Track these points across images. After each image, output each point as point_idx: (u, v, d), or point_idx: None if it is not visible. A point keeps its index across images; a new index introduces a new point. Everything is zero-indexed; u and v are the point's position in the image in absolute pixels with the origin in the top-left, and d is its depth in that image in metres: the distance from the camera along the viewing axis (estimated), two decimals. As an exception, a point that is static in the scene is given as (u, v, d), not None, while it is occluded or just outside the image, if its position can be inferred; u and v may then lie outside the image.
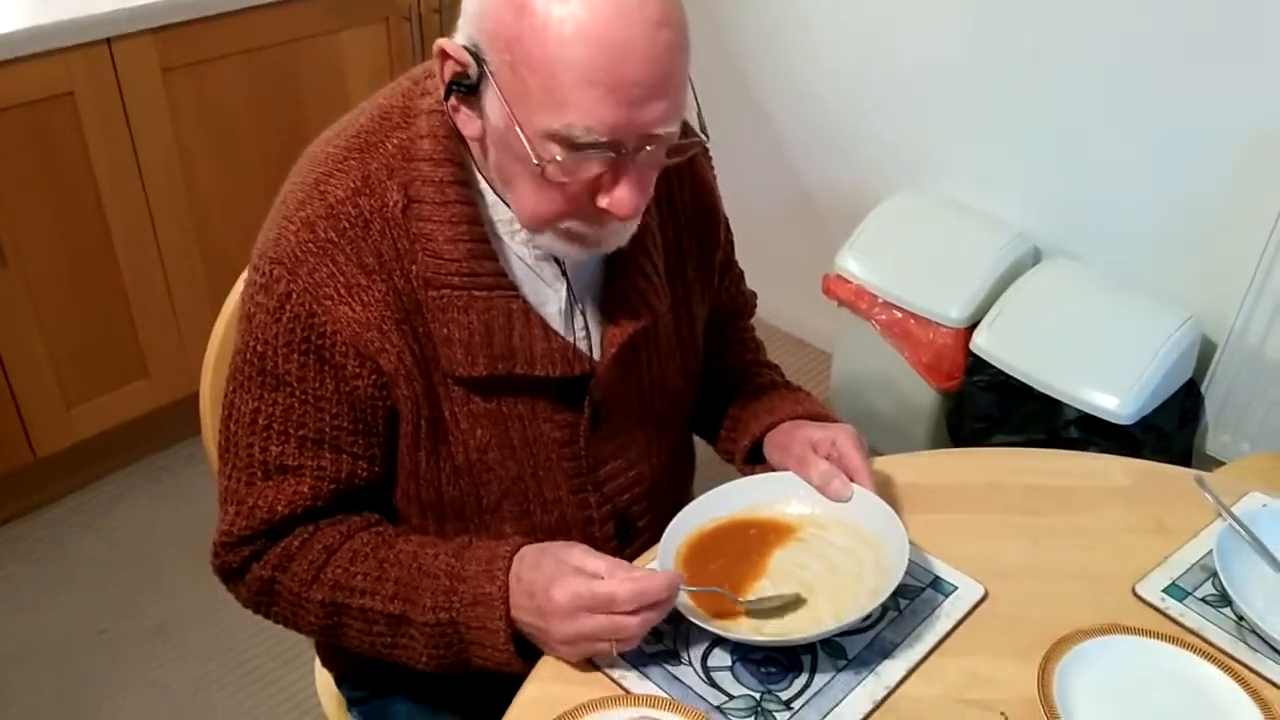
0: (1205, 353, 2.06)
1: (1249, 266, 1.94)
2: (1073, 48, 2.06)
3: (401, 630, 0.97)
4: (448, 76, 0.89)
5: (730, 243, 1.20)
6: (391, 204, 0.93)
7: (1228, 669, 0.95)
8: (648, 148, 0.87)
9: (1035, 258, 2.23)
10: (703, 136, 0.92)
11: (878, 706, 0.92)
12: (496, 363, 0.96)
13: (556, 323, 1.00)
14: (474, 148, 0.94)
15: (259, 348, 0.94)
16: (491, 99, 0.87)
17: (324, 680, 1.32)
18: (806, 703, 0.92)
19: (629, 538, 1.12)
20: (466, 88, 0.88)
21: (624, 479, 1.09)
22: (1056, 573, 1.06)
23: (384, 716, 1.16)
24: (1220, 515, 1.11)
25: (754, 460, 1.16)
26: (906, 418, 2.26)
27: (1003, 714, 0.92)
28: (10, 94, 1.81)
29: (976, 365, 2.08)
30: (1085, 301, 2.08)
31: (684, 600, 0.97)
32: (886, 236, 2.28)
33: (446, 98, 0.90)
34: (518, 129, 0.85)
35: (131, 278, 2.07)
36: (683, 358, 1.12)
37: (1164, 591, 1.04)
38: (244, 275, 1.13)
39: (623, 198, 0.88)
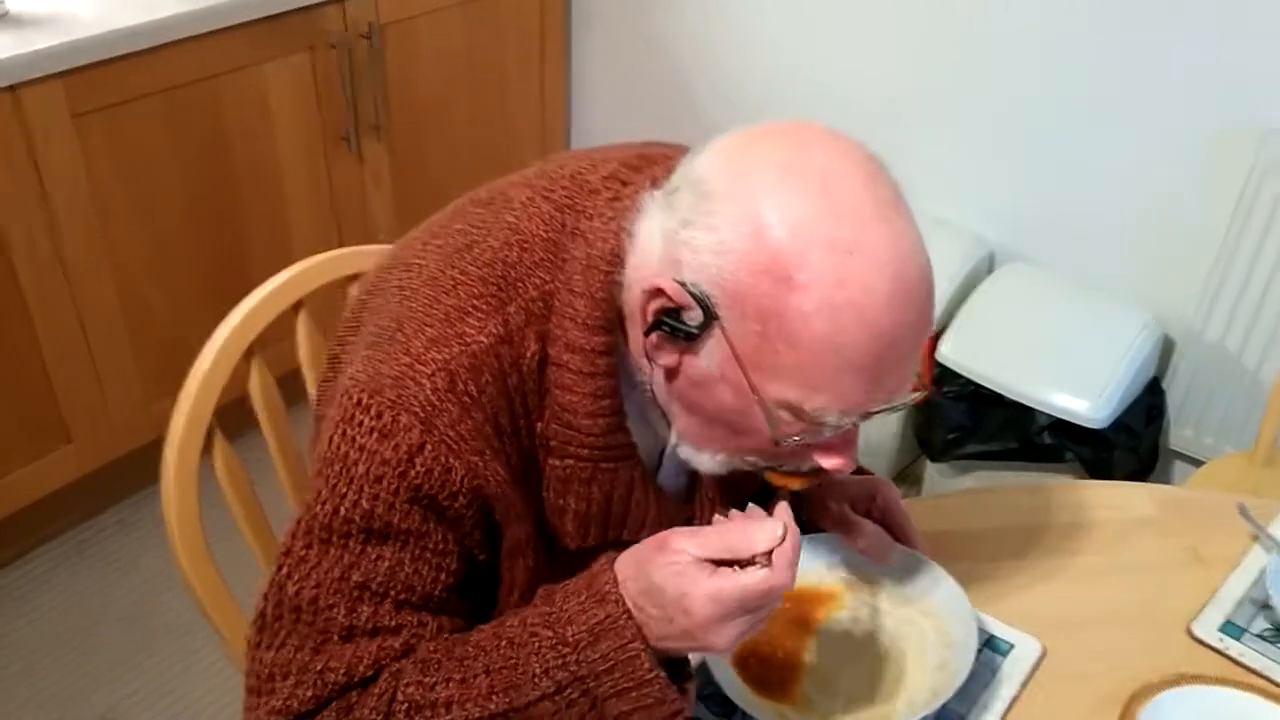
0: (1166, 350, 2.07)
1: (1206, 264, 1.95)
2: (1024, 54, 2.05)
3: None
4: (654, 310, 0.78)
5: None
6: (528, 356, 0.82)
7: (1301, 712, 0.92)
8: (878, 414, 0.79)
9: (990, 264, 2.22)
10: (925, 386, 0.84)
11: (959, 788, 0.87)
12: (607, 532, 0.88)
13: (656, 468, 0.93)
14: (647, 367, 0.82)
15: (366, 503, 0.79)
16: (715, 352, 0.77)
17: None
18: (885, 791, 0.86)
19: None
20: (683, 334, 0.77)
21: None
22: (1107, 618, 1.03)
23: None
24: (1259, 542, 1.09)
25: None
26: (875, 432, 2.22)
27: (1087, 785, 0.88)
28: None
29: (944, 375, 2.05)
30: (1046, 305, 2.07)
31: (738, 686, 0.90)
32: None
33: (648, 332, 0.79)
34: (754, 394, 0.76)
35: (48, 339, 1.90)
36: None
37: (1220, 630, 1.01)
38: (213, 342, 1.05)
39: (845, 464, 0.82)
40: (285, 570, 0.81)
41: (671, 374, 0.81)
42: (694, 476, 0.96)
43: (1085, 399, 1.92)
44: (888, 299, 0.72)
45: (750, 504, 0.81)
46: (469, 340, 0.80)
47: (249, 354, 1.10)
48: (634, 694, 0.77)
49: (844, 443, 0.81)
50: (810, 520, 1.04)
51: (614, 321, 0.83)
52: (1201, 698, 0.93)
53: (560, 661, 0.77)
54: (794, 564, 0.76)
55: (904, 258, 0.73)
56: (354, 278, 1.16)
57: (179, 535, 1.05)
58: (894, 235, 0.73)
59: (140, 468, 2.14)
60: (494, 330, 0.81)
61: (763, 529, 0.76)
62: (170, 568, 2.09)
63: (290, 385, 1.16)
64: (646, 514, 0.90)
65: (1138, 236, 2.05)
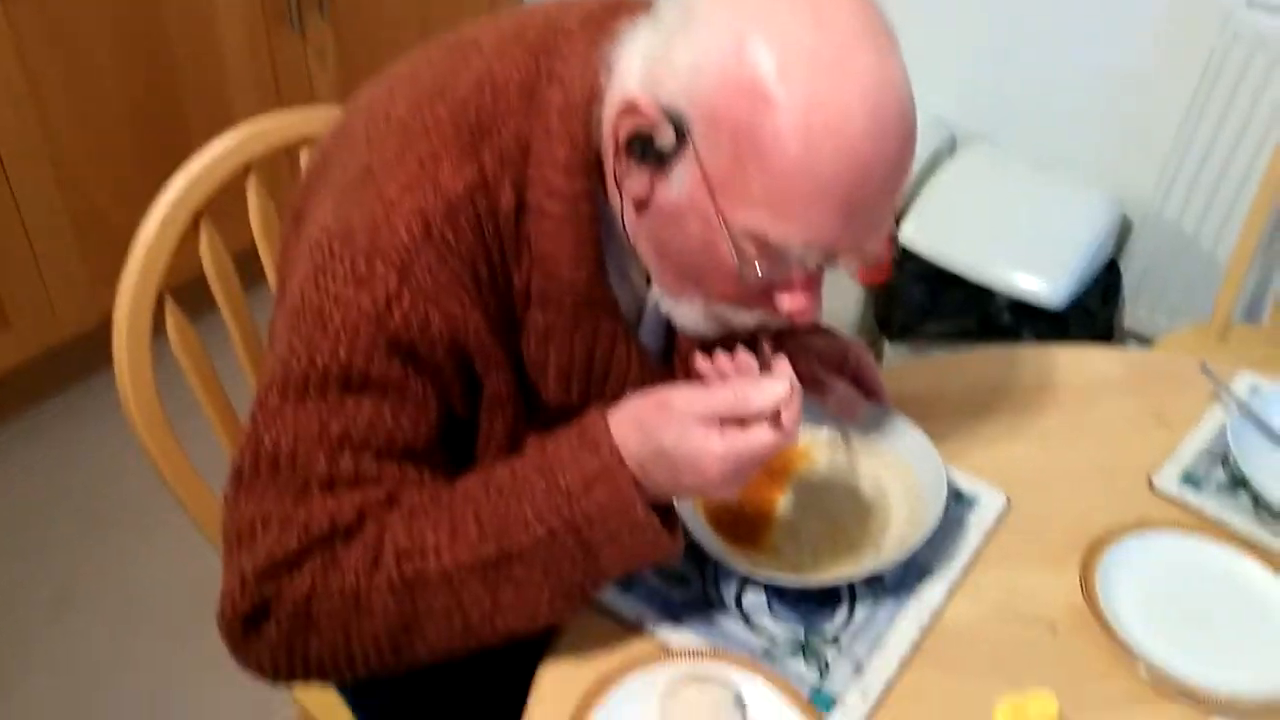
0: (1124, 231, 2.09)
1: (1166, 144, 1.95)
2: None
3: (502, 575, 0.77)
4: (627, 130, 0.75)
5: None
6: (504, 204, 0.79)
7: (1256, 556, 0.95)
8: (845, 259, 0.77)
9: (952, 146, 2.20)
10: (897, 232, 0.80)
11: (926, 632, 0.88)
12: (589, 388, 0.86)
13: (637, 325, 0.91)
14: (615, 191, 0.80)
15: (344, 353, 0.76)
16: (684, 175, 0.74)
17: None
18: (854, 636, 0.87)
19: None
20: (654, 154, 0.74)
21: None
22: (1071, 473, 1.04)
23: (380, 706, 1.05)
24: (1220, 401, 1.10)
25: None
26: (833, 315, 2.22)
27: (1051, 625, 0.89)
28: None
29: (905, 257, 2.05)
30: (1007, 186, 2.07)
31: (709, 536, 0.90)
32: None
33: (618, 154, 0.76)
34: (720, 220, 0.74)
35: (-17, 221, 1.84)
36: None
37: (1180, 482, 1.02)
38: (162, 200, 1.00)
39: (807, 308, 0.79)
40: (261, 424, 0.78)
41: (641, 206, 0.79)
42: (671, 338, 0.95)
43: (1043, 279, 1.92)
44: (867, 127, 0.70)
45: (741, 349, 0.80)
46: (443, 186, 0.77)
47: (197, 221, 1.05)
48: (627, 540, 0.77)
49: (807, 284, 0.79)
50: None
51: (593, 166, 0.80)
52: (1160, 542, 0.95)
53: (553, 508, 0.76)
54: (800, 420, 0.75)
55: (888, 87, 0.71)
56: (305, 142, 1.11)
57: (134, 401, 1.02)
58: (880, 65, 0.71)
59: (88, 355, 2.09)
60: (469, 176, 0.78)
61: (768, 389, 0.74)
62: (122, 454, 2.07)
63: (244, 268, 1.11)
64: (628, 372, 0.88)
65: (1098, 118, 2.04)
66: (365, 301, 0.76)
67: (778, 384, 0.74)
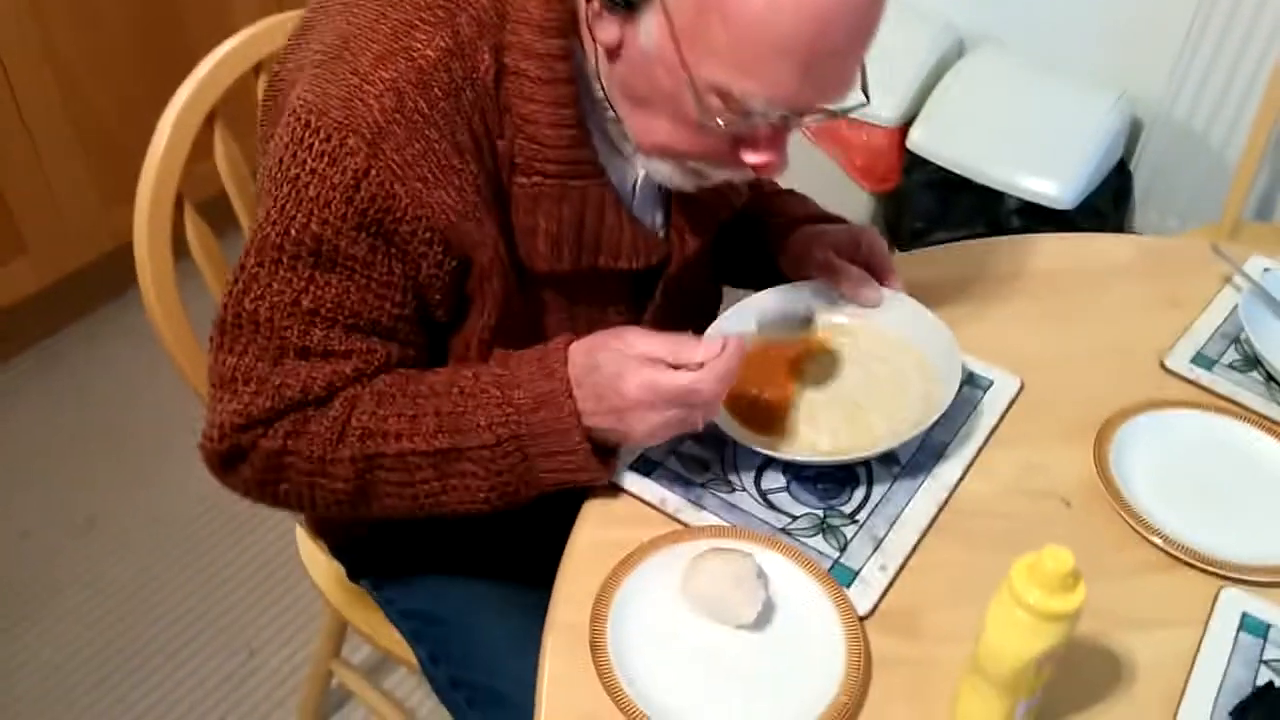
0: (1134, 132, 2.07)
1: (1175, 44, 1.93)
2: None
3: (451, 467, 0.85)
4: None
5: None
6: (483, 70, 0.80)
7: (1266, 428, 0.96)
8: (809, 117, 0.79)
9: (960, 50, 2.17)
10: (864, 98, 0.80)
11: (943, 508, 0.90)
12: (581, 256, 0.88)
13: (634, 201, 0.91)
14: (592, 45, 0.81)
15: (315, 226, 0.80)
16: (652, 24, 0.75)
17: (307, 547, 1.24)
18: (871, 513, 0.89)
19: None
20: (624, 2, 0.75)
21: None
22: (1084, 355, 1.05)
23: (401, 583, 1.08)
24: (1233, 282, 1.11)
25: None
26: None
27: (1065, 500, 0.91)
28: None
29: (914, 163, 2.04)
30: (1016, 89, 2.04)
31: (729, 421, 0.92)
32: (807, 38, 2.18)
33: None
34: (685, 72, 0.75)
35: (-6, 149, 1.84)
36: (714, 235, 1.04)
37: (1191, 362, 1.03)
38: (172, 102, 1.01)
39: (773, 163, 0.82)
40: (241, 284, 0.83)
41: (613, 54, 0.80)
42: (668, 210, 0.96)
43: (1053, 181, 1.92)
44: None
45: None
46: (416, 54, 0.79)
47: (211, 121, 1.05)
48: (561, 457, 0.84)
49: (772, 139, 0.81)
50: (799, 270, 1.04)
51: (569, 26, 0.81)
52: (1173, 419, 0.97)
53: (503, 419, 0.83)
54: (725, 377, 0.80)
55: None
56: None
57: (158, 309, 1.04)
58: None
59: (102, 280, 2.11)
60: (442, 43, 0.79)
61: (704, 345, 0.81)
62: (140, 377, 2.10)
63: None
64: (620, 239, 0.89)
65: (1107, 17, 2.01)
66: (336, 177, 0.79)
67: (714, 342, 0.80)
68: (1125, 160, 2.08)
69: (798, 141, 2.42)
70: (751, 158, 0.81)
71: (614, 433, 0.84)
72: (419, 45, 0.79)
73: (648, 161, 0.86)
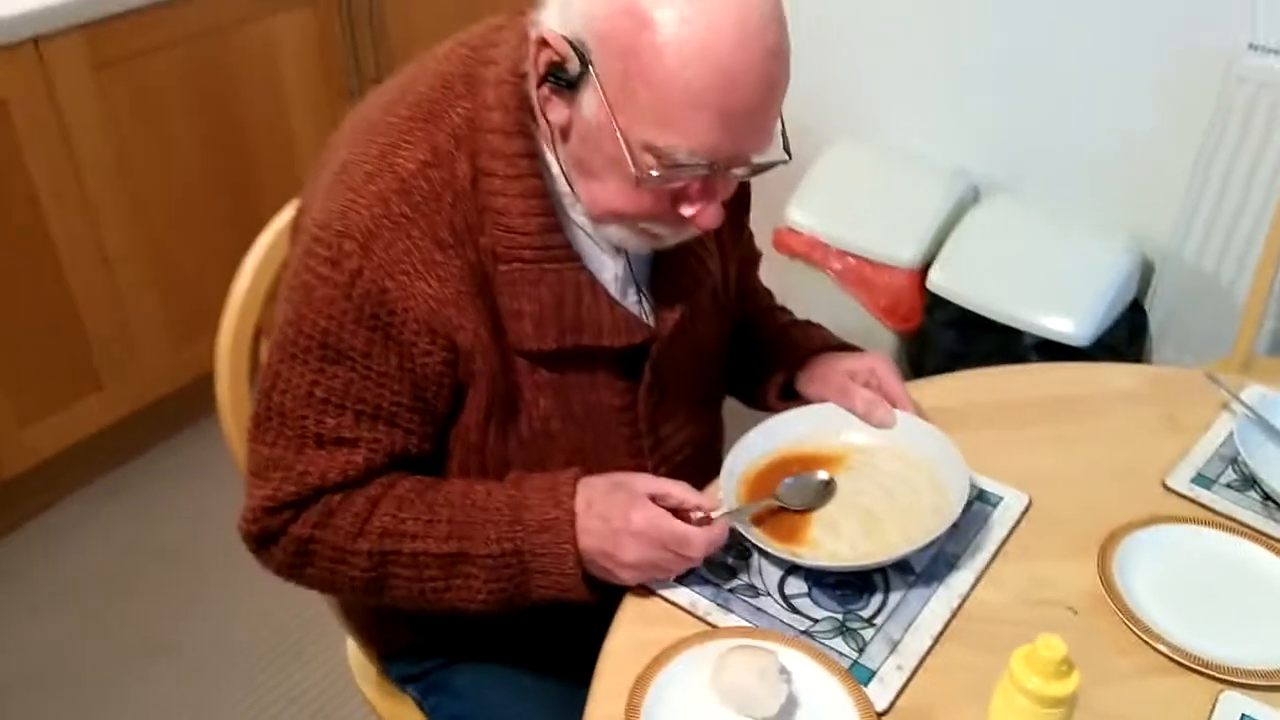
0: (1146, 272, 2.16)
1: (1181, 186, 2.04)
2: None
3: (457, 569, 0.96)
4: (543, 64, 0.88)
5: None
6: (461, 176, 0.92)
7: (1264, 544, 1.02)
8: (738, 169, 0.90)
9: (975, 195, 2.30)
10: (785, 156, 0.92)
11: (955, 614, 0.96)
12: (565, 335, 0.97)
13: (614, 290, 1.01)
14: (547, 129, 0.93)
15: (322, 322, 0.92)
16: (591, 98, 0.87)
17: (358, 659, 1.30)
18: (888, 618, 0.95)
19: None
20: (565, 82, 0.87)
21: (676, 441, 1.10)
22: (1089, 476, 1.12)
23: (446, 689, 1.14)
24: (1230, 408, 1.18)
25: (786, 397, 1.18)
26: (868, 361, 2.31)
27: (1071, 609, 0.97)
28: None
29: (935, 303, 2.14)
30: (1030, 233, 2.15)
31: (756, 533, 0.99)
32: (831, 186, 2.32)
33: (539, 85, 0.90)
34: (619, 135, 0.86)
35: (78, 287, 1.98)
36: (721, 319, 1.14)
37: (1192, 482, 1.10)
38: (261, 242, 1.13)
39: (709, 213, 0.92)
40: (269, 381, 0.96)
41: (565, 134, 0.92)
42: (656, 303, 1.05)
43: (1069, 318, 2.01)
44: (733, 38, 0.81)
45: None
46: (398, 169, 0.92)
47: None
48: (554, 577, 0.95)
49: (703, 191, 0.91)
50: (818, 393, 1.14)
51: (529, 128, 0.93)
52: (1174, 534, 1.03)
53: (510, 535, 0.95)
54: (714, 544, 0.94)
55: (753, 4, 0.82)
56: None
57: (236, 436, 1.13)
58: None
59: (169, 415, 2.23)
60: (421, 156, 0.92)
61: (708, 499, 0.95)
62: (209, 506, 2.18)
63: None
64: (603, 318, 0.98)
65: (1115, 162, 2.13)
66: (337, 278, 0.91)
67: (720, 507, 0.95)
68: (1140, 299, 2.17)
69: (826, 286, 2.54)
70: (688, 210, 0.92)
71: (605, 557, 0.93)
72: (401, 161, 0.92)
73: (602, 228, 0.96)
